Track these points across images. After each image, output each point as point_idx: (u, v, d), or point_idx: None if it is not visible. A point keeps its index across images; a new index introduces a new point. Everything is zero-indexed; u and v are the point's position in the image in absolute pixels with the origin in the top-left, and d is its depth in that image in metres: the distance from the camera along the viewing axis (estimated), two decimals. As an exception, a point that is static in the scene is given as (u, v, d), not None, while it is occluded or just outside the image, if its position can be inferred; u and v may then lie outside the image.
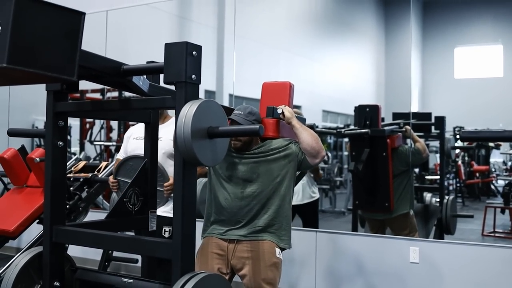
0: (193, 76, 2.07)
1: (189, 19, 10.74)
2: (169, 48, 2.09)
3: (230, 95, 10.91)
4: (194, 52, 2.09)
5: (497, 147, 10.01)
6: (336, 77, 15.92)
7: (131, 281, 2.18)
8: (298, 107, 14.32)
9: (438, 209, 5.30)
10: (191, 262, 2.04)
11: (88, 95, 6.77)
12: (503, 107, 17.80)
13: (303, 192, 5.36)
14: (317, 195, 5.33)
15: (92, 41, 8.00)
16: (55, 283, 2.29)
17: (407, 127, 4.63)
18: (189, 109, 1.98)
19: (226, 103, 11.19)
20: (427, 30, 20.43)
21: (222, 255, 2.89)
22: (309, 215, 5.38)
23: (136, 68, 2.25)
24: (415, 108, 18.66)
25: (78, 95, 6.43)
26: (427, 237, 5.05)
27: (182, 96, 2.06)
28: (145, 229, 2.72)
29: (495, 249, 3.80)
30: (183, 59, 2.05)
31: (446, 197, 5.44)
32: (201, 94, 8.95)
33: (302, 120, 3.21)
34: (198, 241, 2.94)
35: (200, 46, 2.14)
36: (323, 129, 5.41)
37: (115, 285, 2.21)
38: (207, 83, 11.14)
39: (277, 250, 2.86)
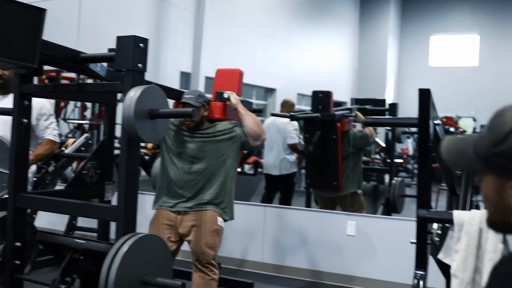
0: (139, 65, 2.40)
1: (168, 2, 10.97)
2: (120, 40, 2.42)
3: (207, 78, 11.22)
4: (141, 44, 2.42)
5: (462, 134, 10.42)
6: (312, 61, 16.23)
7: (83, 241, 2.53)
8: (273, 90, 14.69)
9: (387, 189, 5.71)
10: (132, 224, 2.39)
11: (64, 74, 7.04)
12: (476, 96, 18.32)
13: (281, 164, 5.78)
14: (294, 169, 5.76)
15: (66, 23, 8.20)
16: (16, 244, 2.62)
17: (357, 112, 4.99)
18: (134, 94, 2.32)
19: (202, 85, 11.49)
20: (405, 17, 20.80)
21: (172, 225, 3.25)
22: (285, 187, 5.82)
23: (91, 56, 2.58)
24: (390, 94, 19.12)
25: (54, 74, 6.71)
26: (375, 213, 5.48)
27: (129, 82, 2.39)
28: (101, 199, 3.07)
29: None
30: (131, 50, 2.38)
31: (396, 179, 5.86)
32: (177, 76, 9.38)
33: (248, 104, 3.57)
34: (151, 211, 3.30)
35: (147, 39, 2.47)
36: (277, 113, 5.74)
37: (69, 244, 2.55)
38: (183, 65, 11.43)
39: (219, 219, 3.22)
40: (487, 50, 19.72)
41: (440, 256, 2.00)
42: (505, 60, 19.21)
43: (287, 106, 5.86)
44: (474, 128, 14.66)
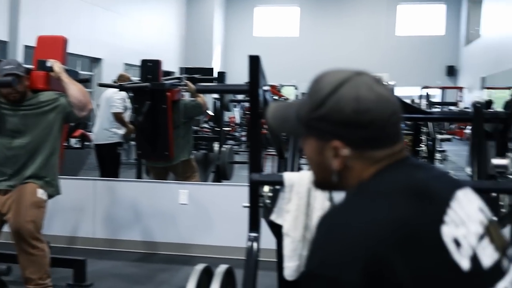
0: None
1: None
2: None
3: (26, 46, 10.42)
4: None
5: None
6: (139, 31, 15.86)
7: None
8: (99, 60, 14.13)
9: (217, 157, 5.82)
10: None
11: None
12: (297, 65, 19.32)
13: (102, 133, 5.56)
14: (115, 139, 5.56)
15: None
16: None
17: (187, 82, 4.97)
18: None
19: (20, 54, 10.67)
20: (230, -12, 21.18)
21: (-5, 205, 3.00)
22: (109, 158, 5.62)
23: None
24: (217, 63, 19.43)
25: None
26: (207, 181, 5.56)
27: None
28: None
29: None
30: None
31: (225, 146, 5.98)
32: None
33: (74, 73, 3.37)
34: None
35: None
36: (104, 83, 5.54)
37: None
38: (-3, 32, 10.53)
39: (39, 190, 3.01)
40: (307, 22, 20.87)
41: (273, 217, 2.08)
42: (323, 31, 20.48)
43: (122, 80, 5.66)
44: (296, 96, 15.48)
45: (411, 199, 1.00)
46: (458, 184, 1.09)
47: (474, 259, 0.96)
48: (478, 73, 16.06)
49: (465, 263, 0.95)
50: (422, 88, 13.94)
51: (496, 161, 2.30)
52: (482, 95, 13.85)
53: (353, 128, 1.04)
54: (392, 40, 20.64)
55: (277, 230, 2.39)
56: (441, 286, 0.93)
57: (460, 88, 17.76)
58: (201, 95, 5.12)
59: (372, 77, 1.10)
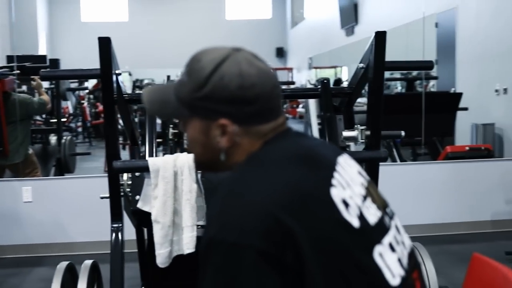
0: None
1: None
2: None
3: None
4: None
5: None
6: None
7: None
8: None
9: (57, 149, 5.50)
10: None
11: None
12: (129, 51, 18.81)
13: None
14: None
15: None
16: None
17: (36, 77, 4.61)
18: None
19: None
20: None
21: None
22: None
23: None
24: (43, 50, 18.28)
25: None
26: (48, 176, 5.23)
27: None
28: None
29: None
30: None
31: (65, 138, 5.67)
32: None
33: None
34: None
35: None
36: None
37: None
38: None
39: None
40: (136, 6, 20.42)
41: (139, 205, 2.00)
42: (153, 16, 20.20)
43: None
44: (134, 83, 15.04)
45: (301, 165, 1.04)
46: (338, 151, 1.15)
47: (362, 218, 1.02)
48: (306, 54, 16.95)
49: (355, 222, 1.01)
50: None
51: (346, 133, 2.43)
52: (311, 75, 14.68)
53: (239, 104, 1.04)
54: (222, 24, 20.97)
55: (138, 219, 2.32)
56: (336, 245, 0.97)
57: (290, 69, 18.63)
58: (44, 93, 4.81)
59: (250, 53, 1.12)
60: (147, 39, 19.02)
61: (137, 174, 2.22)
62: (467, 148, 5.05)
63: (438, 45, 7.42)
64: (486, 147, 5.11)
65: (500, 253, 3.65)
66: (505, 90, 6.14)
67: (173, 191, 1.93)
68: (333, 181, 1.04)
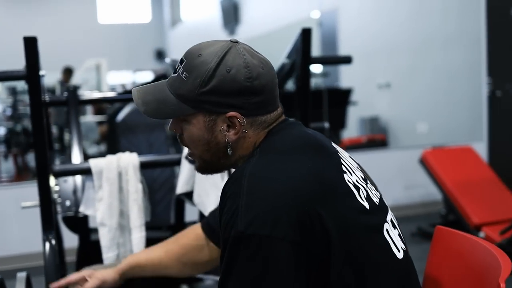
0: None
1: None
2: None
3: None
4: None
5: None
6: None
7: None
8: None
9: None
10: None
11: None
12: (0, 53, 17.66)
13: None
14: None
15: None
16: None
17: None
18: None
19: None
20: None
21: None
22: None
23: None
24: None
25: None
26: None
27: None
28: None
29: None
30: None
31: None
32: None
33: None
34: None
35: None
36: None
37: None
38: None
39: None
40: (3, 8, 19.25)
41: (82, 209, 1.92)
42: (21, 18, 19.13)
43: None
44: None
45: (315, 154, 1.06)
46: (328, 139, 1.19)
47: (369, 199, 1.07)
48: (186, 55, 16.90)
49: (366, 204, 1.06)
50: (134, 72, 14.07)
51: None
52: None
53: (247, 95, 1.05)
54: (98, 28, 20.36)
55: (72, 225, 2.24)
56: (356, 228, 1.01)
57: (169, 70, 18.45)
58: None
59: (246, 44, 1.12)
60: (18, 43, 17.98)
61: (64, 178, 2.13)
62: (363, 139, 5.34)
63: (323, 44, 7.75)
64: (380, 138, 5.45)
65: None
66: (388, 84, 6.57)
67: (118, 192, 1.89)
68: (343, 168, 1.07)
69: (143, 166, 1.93)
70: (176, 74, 1.09)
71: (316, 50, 7.71)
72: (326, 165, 1.05)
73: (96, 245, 1.99)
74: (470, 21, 5.24)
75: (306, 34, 2.30)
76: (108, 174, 1.87)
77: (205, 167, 1.15)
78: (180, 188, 1.94)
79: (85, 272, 1.44)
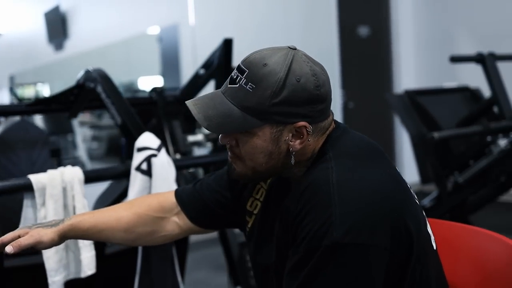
0: None
1: None
2: None
3: None
4: None
5: None
6: None
7: None
8: None
9: None
10: None
11: None
12: None
13: None
14: None
15: None
16: None
17: None
18: None
19: None
20: None
21: None
22: None
23: None
24: None
25: None
26: None
27: None
28: None
29: None
30: None
31: None
32: None
33: None
34: None
35: None
36: None
37: None
38: None
39: None
40: None
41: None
42: None
43: None
44: None
45: (383, 157, 1.09)
46: None
47: (415, 197, 1.13)
48: (6, 71, 15.67)
49: (419, 202, 1.13)
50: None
51: (191, 137, 2.46)
52: (17, 92, 13.63)
53: (315, 103, 1.03)
54: None
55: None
56: (422, 226, 1.07)
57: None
58: None
59: (302, 50, 1.09)
60: None
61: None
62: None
63: (163, 59, 7.73)
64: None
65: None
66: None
67: (64, 209, 1.73)
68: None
69: (88, 180, 1.80)
70: (237, 85, 1.03)
71: (155, 66, 7.69)
72: (394, 168, 1.09)
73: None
74: (324, 38, 5.60)
75: (227, 44, 2.33)
76: (51, 190, 1.71)
77: (252, 178, 1.11)
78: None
79: (21, 230, 1.22)
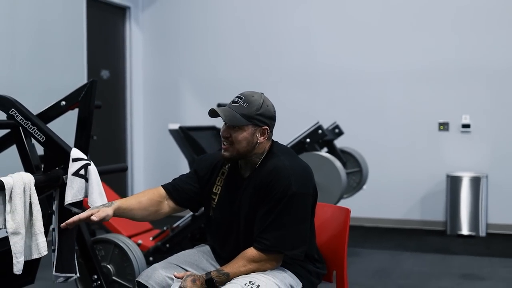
0: None
1: None
2: None
3: None
4: None
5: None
6: None
7: None
8: None
9: None
10: None
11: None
12: None
13: None
14: None
15: None
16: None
17: None
18: None
19: None
20: None
21: None
22: None
23: None
24: None
25: None
26: None
27: None
28: None
29: None
30: None
31: None
32: None
33: None
34: None
35: None
36: None
37: None
38: None
39: None
40: None
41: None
42: None
43: None
44: None
45: (296, 155, 2.11)
46: None
47: None
48: None
49: None
50: None
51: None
52: None
53: (272, 120, 2.06)
54: None
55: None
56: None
57: None
58: None
59: None
60: None
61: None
62: None
63: None
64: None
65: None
66: None
67: (28, 205, 2.21)
68: None
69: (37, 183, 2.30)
70: (237, 104, 1.96)
71: None
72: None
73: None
74: (76, 79, 6.03)
75: (92, 84, 2.94)
76: (16, 189, 2.17)
77: (236, 157, 1.99)
78: (71, 199, 2.39)
79: (93, 210, 1.89)
